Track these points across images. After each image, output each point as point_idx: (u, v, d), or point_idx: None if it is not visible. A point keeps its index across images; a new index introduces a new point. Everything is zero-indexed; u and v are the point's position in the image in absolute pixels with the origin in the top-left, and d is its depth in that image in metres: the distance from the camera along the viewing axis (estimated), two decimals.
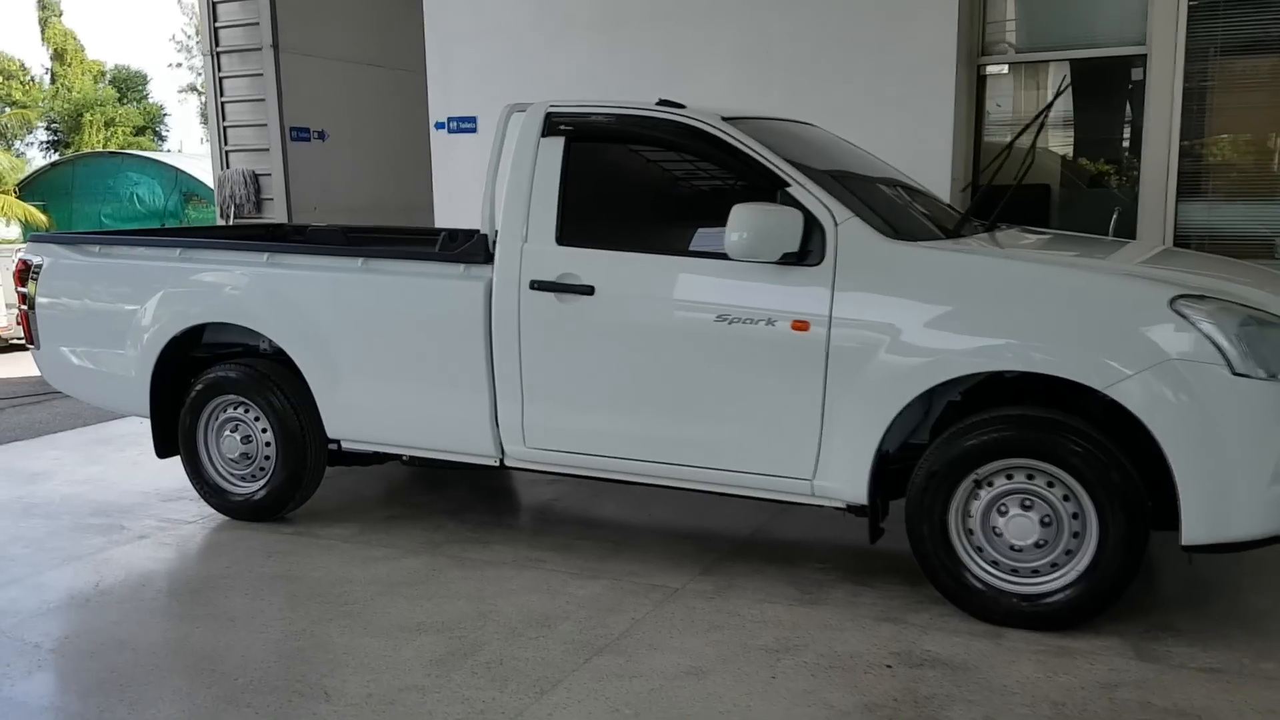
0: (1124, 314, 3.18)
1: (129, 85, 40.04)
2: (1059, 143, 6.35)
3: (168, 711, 2.94)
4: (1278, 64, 5.59)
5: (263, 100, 8.54)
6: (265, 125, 8.56)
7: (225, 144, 8.75)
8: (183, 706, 2.97)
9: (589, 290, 3.81)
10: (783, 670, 3.13)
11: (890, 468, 3.60)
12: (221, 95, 8.71)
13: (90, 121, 38.09)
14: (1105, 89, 6.23)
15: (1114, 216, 5.98)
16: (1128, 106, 6.10)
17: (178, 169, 21.45)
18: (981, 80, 6.29)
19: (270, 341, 4.42)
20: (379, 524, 4.57)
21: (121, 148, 32.50)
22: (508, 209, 3.97)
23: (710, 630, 3.42)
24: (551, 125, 3.95)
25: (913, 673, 3.10)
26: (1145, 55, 5.77)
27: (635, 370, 3.79)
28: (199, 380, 4.54)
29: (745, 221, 3.45)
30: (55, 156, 33.18)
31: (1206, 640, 3.29)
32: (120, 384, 4.69)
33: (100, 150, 30.36)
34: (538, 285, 3.89)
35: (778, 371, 3.57)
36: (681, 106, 3.89)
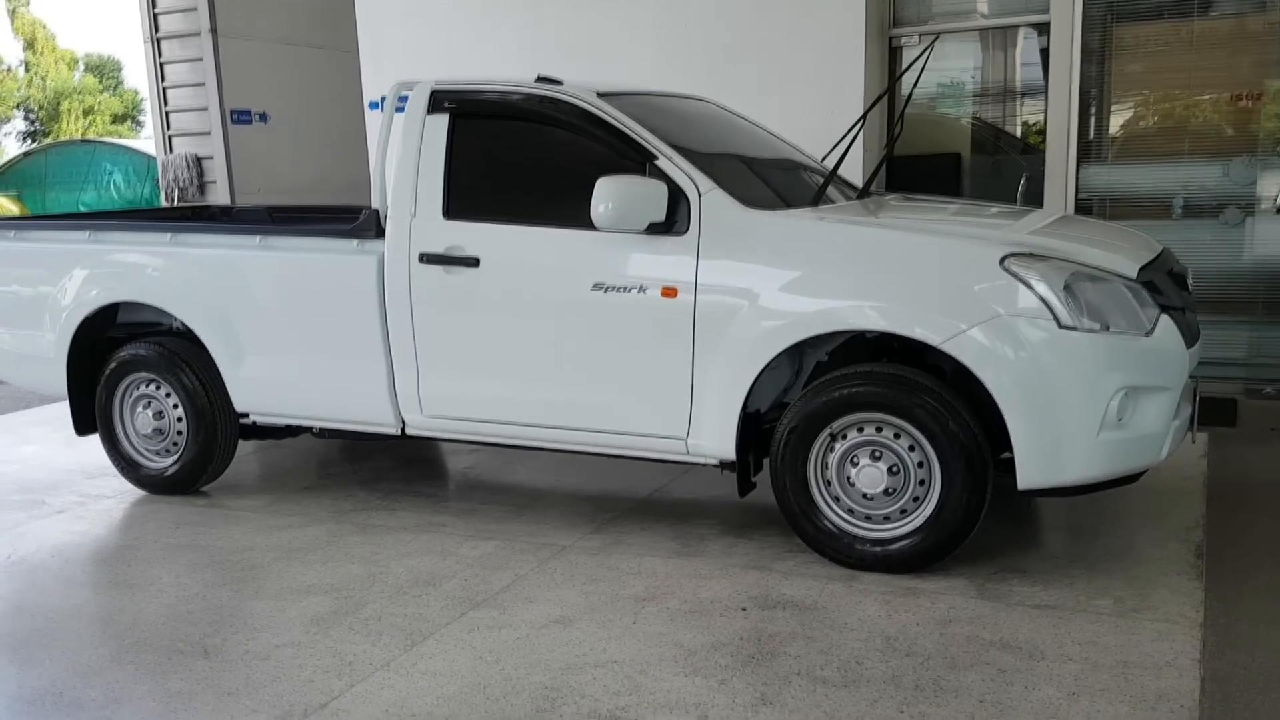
0: (958, 273, 3.33)
1: (103, 73, 39.87)
2: (972, 111, 6.48)
3: (53, 670, 3.10)
4: (1169, 30, 5.73)
5: (203, 85, 8.62)
6: (206, 109, 8.65)
7: (168, 129, 8.85)
8: (68, 665, 3.13)
9: (474, 262, 3.95)
10: (644, 616, 3.30)
11: (763, 426, 3.77)
12: (162, 80, 8.79)
13: (69, 110, 37.89)
14: (1017, 57, 6.36)
15: (1021, 182, 6.13)
16: (1037, 74, 6.23)
17: (150, 156, 21.40)
18: (895, 52, 6.41)
19: (178, 319, 4.55)
20: (292, 495, 4.72)
21: (100, 136, 32.39)
22: (397, 185, 4.10)
23: (587, 583, 3.59)
24: (437, 103, 4.08)
25: (765, 614, 3.27)
26: (1049, 23, 5.90)
27: (520, 338, 3.93)
28: (113, 359, 4.67)
29: (610, 193, 3.59)
30: (31, 145, 33.09)
31: (1050, 580, 3.47)
32: (40, 365, 4.83)
33: (73, 139, 30.26)
34: (427, 258, 4.02)
35: (651, 337, 3.72)
36: (559, 83, 4.02)
